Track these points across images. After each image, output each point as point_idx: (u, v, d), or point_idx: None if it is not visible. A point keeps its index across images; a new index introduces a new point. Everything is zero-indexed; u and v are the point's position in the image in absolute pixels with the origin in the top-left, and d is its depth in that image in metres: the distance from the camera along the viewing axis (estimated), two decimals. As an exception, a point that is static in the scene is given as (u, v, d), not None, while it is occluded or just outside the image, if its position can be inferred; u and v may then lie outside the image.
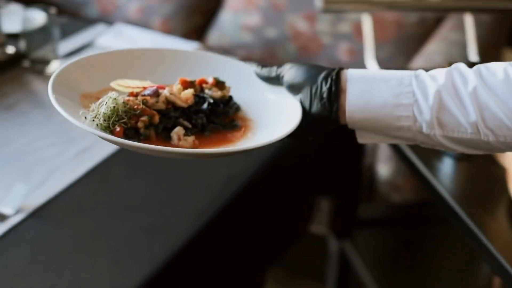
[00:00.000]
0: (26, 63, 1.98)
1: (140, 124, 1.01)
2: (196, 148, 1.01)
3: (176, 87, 1.08)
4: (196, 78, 1.12)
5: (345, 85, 1.01)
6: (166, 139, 1.03)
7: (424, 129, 0.98)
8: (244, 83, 1.14)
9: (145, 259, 1.34)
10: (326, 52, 2.54)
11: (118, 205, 1.48)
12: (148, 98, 1.04)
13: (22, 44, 1.96)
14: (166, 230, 1.42)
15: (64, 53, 2.04)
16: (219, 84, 1.12)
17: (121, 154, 1.62)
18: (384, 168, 2.19)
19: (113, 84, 1.08)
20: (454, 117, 0.97)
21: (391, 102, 0.99)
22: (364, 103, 1.00)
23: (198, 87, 1.11)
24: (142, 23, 2.70)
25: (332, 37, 2.54)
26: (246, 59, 2.47)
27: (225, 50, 2.56)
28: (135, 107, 1.01)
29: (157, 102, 1.05)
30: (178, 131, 1.03)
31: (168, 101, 1.06)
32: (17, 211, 1.42)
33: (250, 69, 1.14)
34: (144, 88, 1.07)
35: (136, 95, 1.05)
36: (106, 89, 1.07)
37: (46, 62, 1.95)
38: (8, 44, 1.98)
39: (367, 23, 2.14)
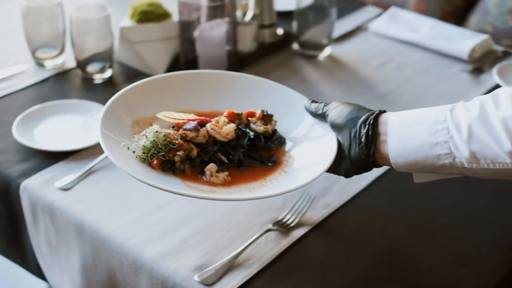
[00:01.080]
0: (295, 46, 1.82)
1: (176, 158, 1.07)
2: (228, 183, 1.07)
3: (222, 119, 1.13)
4: (251, 103, 1.19)
5: (384, 129, 1.01)
6: (201, 173, 1.09)
7: (466, 164, 0.95)
8: (293, 114, 1.18)
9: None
10: None
11: (414, 225, 1.27)
12: (188, 132, 1.09)
13: (294, 25, 1.79)
14: (475, 263, 1.20)
15: (334, 37, 1.84)
16: (267, 117, 1.17)
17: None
18: None
19: (159, 115, 1.12)
20: (489, 148, 0.92)
21: (428, 142, 0.97)
22: (403, 148, 0.99)
23: (244, 119, 1.17)
24: (397, 2, 2.47)
25: None
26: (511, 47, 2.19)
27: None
28: (174, 141, 1.07)
29: (197, 136, 1.09)
30: (211, 167, 1.08)
31: (209, 135, 1.11)
32: (299, 223, 1.24)
33: (303, 101, 1.17)
34: (188, 120, 1.11)
35: (180, 126, 1.11)
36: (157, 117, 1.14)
37: (317, 46, 1.77)
38: (277, 25, 1.81)
39: None
